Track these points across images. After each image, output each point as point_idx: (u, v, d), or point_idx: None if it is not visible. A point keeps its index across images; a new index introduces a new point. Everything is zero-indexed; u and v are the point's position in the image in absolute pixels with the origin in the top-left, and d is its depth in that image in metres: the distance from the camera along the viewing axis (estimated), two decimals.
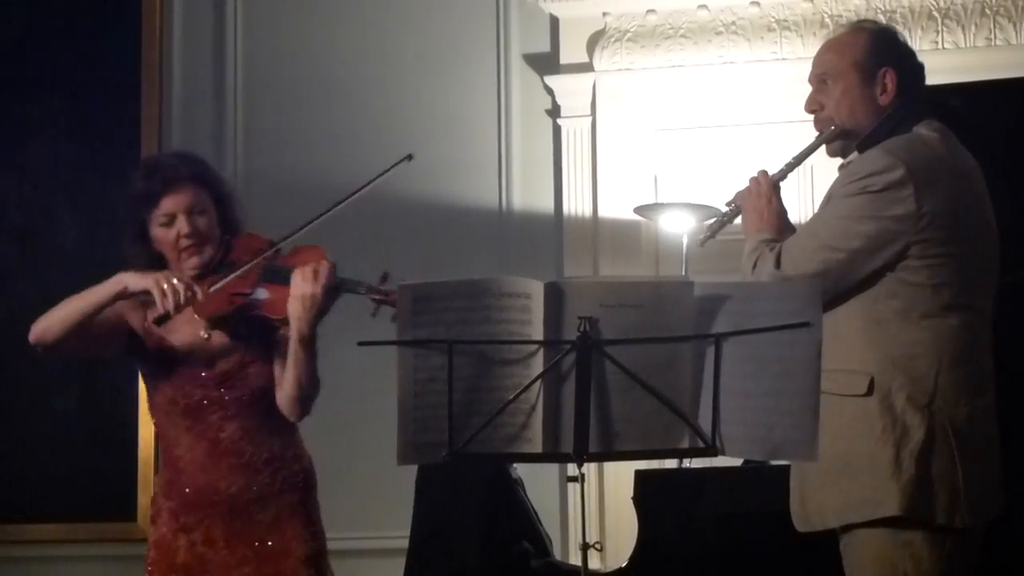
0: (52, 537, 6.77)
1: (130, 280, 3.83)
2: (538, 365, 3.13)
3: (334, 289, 3.79)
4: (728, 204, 4.03)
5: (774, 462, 3.91)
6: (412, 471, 4.99)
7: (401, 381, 3.10)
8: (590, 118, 6.55)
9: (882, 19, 6.28)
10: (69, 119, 7.01)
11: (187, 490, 3.93)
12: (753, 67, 6.42)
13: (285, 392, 3.91)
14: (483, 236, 6.55)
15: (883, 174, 3.63)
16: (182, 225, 3.94)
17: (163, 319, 3.80)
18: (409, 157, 3.88)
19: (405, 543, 5.18)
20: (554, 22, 6.67)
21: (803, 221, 5.94)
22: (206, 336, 3.95)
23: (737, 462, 4.69)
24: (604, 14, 6.55)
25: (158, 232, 3.98)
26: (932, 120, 3.80)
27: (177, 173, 4.00)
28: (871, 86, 3.81)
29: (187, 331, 3.97)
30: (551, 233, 6.57)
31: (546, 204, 6.60)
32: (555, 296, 3.12)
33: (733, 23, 6.48)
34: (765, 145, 5.98)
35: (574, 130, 6.56)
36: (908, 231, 3.62)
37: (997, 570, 4.25)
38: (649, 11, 6.50)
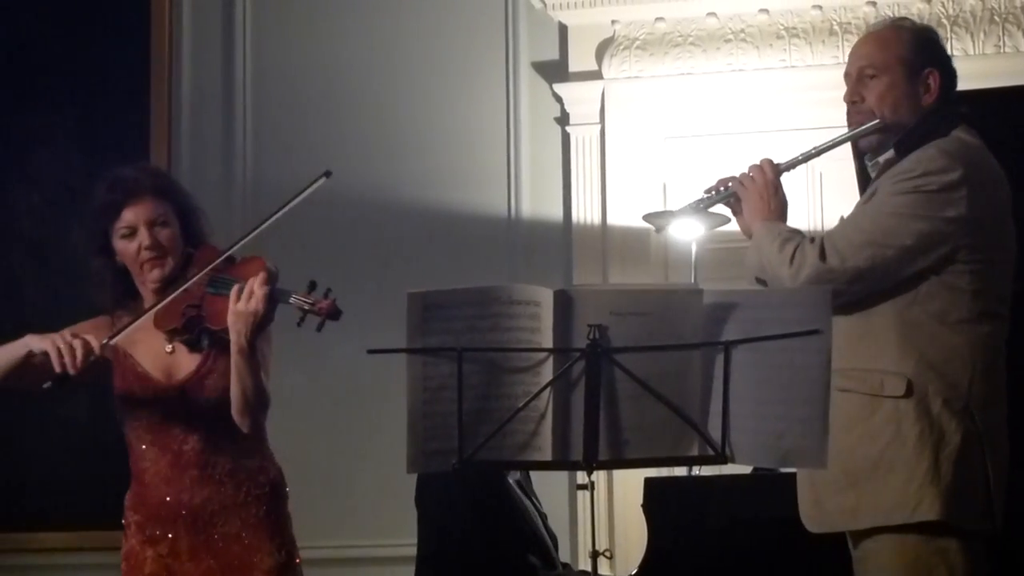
0: (60, 545, 6.77)
1: (33, 342, 3.78)
2: (547, 373, 3.13)
3: (272, 301, 3.76)
4: (711, 190, 3.96)
5: (784, 469, 3.90)
6: (407, 481, 4.98)
7: (411, 389, 3.10)
8: (599, 126, 6.55)
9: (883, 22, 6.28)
10: (78, 129, 7.01)
11: (152, 503, 3.92)
12: (762, 75, 6.42)
13: (233, 404, 3.87)
14: (492, 244, 6.55)
15: (939, 175, 3.59)
16: (143, 237, 3.93)
17: (62, 380, 3.71)
18: (327, 174, 3.84)
19: (406, 551, 5.18)
20: (563, 30, 6.67)
21: (811, 227, 5.97)
22: (170, 350, 3.95)
23: (747, 469, 4.69)
24: (613, 22, 6.55)
25: (120, 244, 3.97)
26: (968, 127, 3.76)
27: (138, 185, 3.99)
28: (915, 84, 3.76)
29: (152, 345, 3.96)
30: (560, 241, 6.56)
31: (555, 212, 6.60)
32: (564, 304, 3.12)
33: (742, 31, 6.47)
34: (774, 153, 5.95)
35: (583, 138, 6.56)
36: (958, 234, 3.59)
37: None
38: (658, 19, 6.50)
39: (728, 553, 4.73)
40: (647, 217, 4.12)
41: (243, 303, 3.72)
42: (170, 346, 3.95)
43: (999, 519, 3.61)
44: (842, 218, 3.84)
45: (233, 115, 6.90)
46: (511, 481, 5.10)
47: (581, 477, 3.16)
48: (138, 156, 6.86)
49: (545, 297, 3.12)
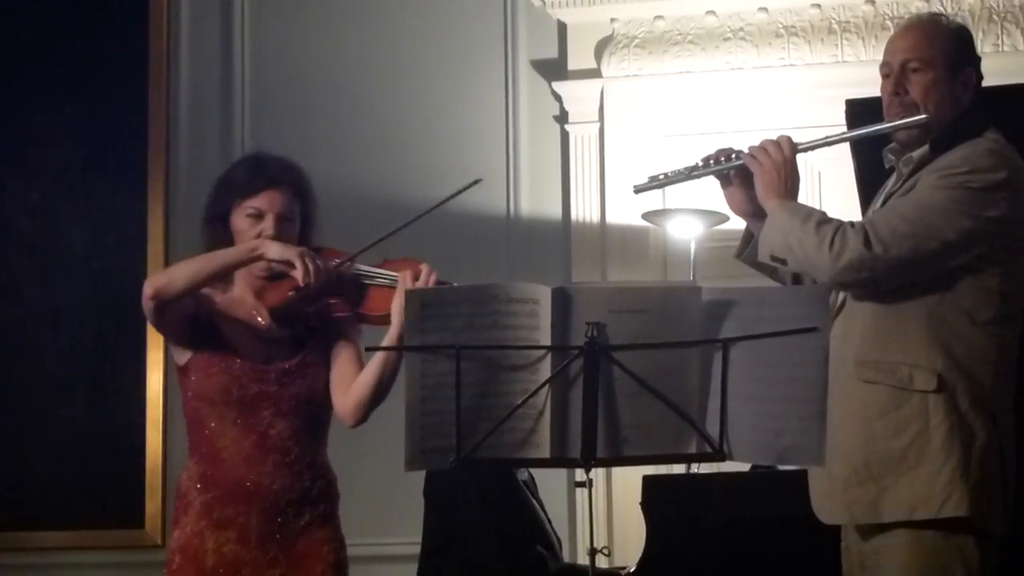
0: (60, 544, 6.77)
1: (271, 248, 3.78)
2: (546, 370, 3.13)
3: None
4: (720, 156, 3.87)
5: (782, 467, 3.90)
6: (420, 476, 4.99)
7: (409, 386, 3.10)
8: (598, 124, 6.56)
9: (889, 26, 6.30)
10: (76, 126, 7.01)
11: (227, 482, 3.85)
12: (761, 73, 6.43)
13: (355, 395, 3.86)
14: (491, 241, 6.56)
15: (986, 173, 3.57)
16: (268, 225, 3.89)
17: (300, 293, 3.75)
18: (478, 181, 3.87)
19: (414, 549, 5.18)
20: (562, 28, 6.67)
21: None
22: (267, 333, 3.93)
23: (745, 467, 4.69)
24: (612, 20, 6.55)
25: (241, 223, 3.92)
26: (994, 129, 3.73)
27: (283, 176, 3.97)
28: (956, 82, 3.72)
29: (245, 325, 3.93)
30: (559, 239, 6.57)
31: (554, 210, 6.60)
32: (563, 301, 3.12)
33: (741, 29, 6.48)
34: None
35: (582, 136, 6.57)
36: (996, 235, 3.57)
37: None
38: (657, 17, 6.51)
39: (726, 551, 4.73)
40: (638, 187, 4.05)
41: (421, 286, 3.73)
42: (267, 329, 3.93)
43: (1012, 521, 3.60)
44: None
45: (231, 112, 6.90)
46: (520, 480, 5.13)
47: (579, 475, 3.17)
48: (136, 154, 6.89)
49: (543, 295, 3.13)
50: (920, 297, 3.60)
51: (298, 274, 3.72)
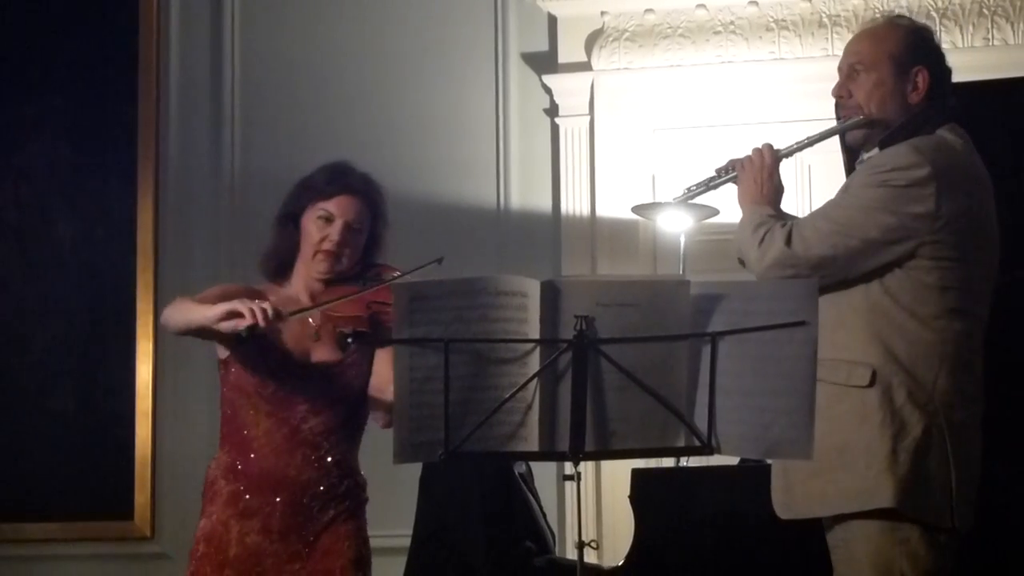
0: (48, 536, 6.77)
1: (236, 307, 3.67)
2: (534, 364, 3.13)
3: None
4: (721, 170, 3.99)
5: (770, 460, 3.91)
6: (410, 469, 4.98)
7: (397, 380, 3.09)
8: (588, 117, 6.55)
9: (880, 19, 6.28)
10: (66, 120, 7.01)
11: (255, 473, 3.89)
12: (751, 67, 6.43)
13: (382, 402, 3.93)
14: (481, 235, 6.55)
15: (908, 170, 3.64)
16: (335, 231, 3.95)
17: (252, 329, 3.66)
18: (439, 260, 3.86)
19: (402, 542, 5.18)
20: (552, 21, 6.67)
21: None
22: (316, 338, 3.96)
23: (734, 461, 4.70)
24: (602, 13, 6.55)
25: (311, 225, 3.98)
26: (955, 126, 3.79)
27: (361, 186, 4.05)
28: (904, 81, 3.80)
29: (297, 329, 3.96)
30: (549, 232, 6.57)
31: (544, 203, 6.60)
32: (551, 295, 3.12)
33: (731, 23, 6.48)
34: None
35: (572, 129, 6.56)
36: (923, 230, 3.63)
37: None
38: (647, 10, 6.50)
39: (714, 544, 4.73)
40: (676, 200, 4.16)
41: None
42: (317, 335, 3.96)
43: (968, 516, 3.65)
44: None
45: (221, 106, 6.89)
46: (517, 473, 5.13)
47: (568, 468, 3.17)
48: (126, 148, 6.88)
49: (532, 288, 3.13)
50: (863, 296, 3.68)
51: (245, 314, 3.62)
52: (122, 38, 6.97)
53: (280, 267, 4.07)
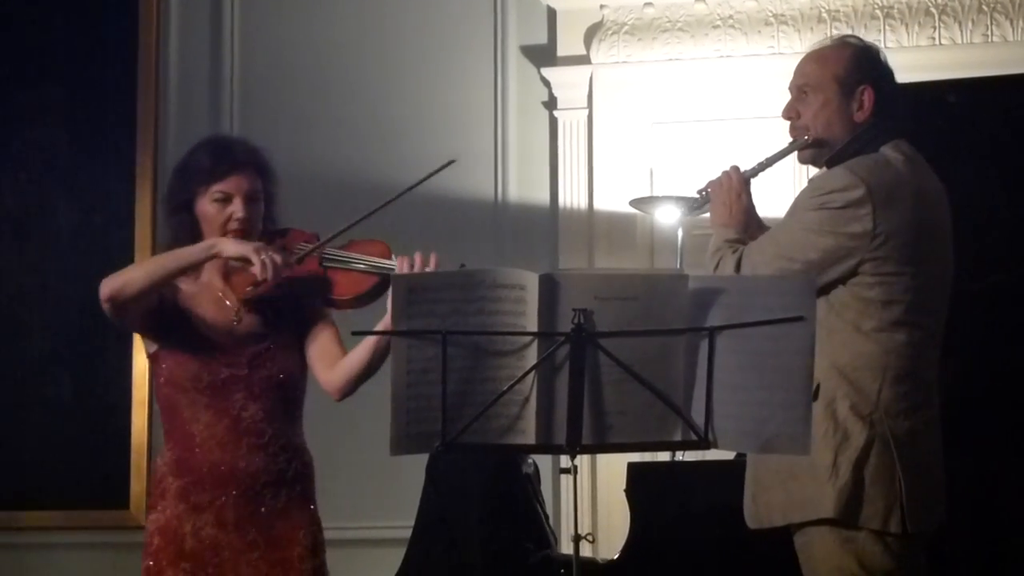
0: (44, 524, 6.78)
1: (227, 246, 3.76)
2: (532, 356, 3.13)
3: None
4: (700, 192, 4.08)
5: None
6: (408, 461, 4.98)
7: (395, 371, 3.10)
8: (586, 110, 6.56)
9: (879, 15, 6.31)
10: (65, 108, 7.01)
11: (203, 467, 3.85)
12: (750, 61, 6.43)
13: (346, 369, 3.87)
14: (479, 227, 6.56)
15: (843, 192, 3.71)
16: (238, 208, 3.89)
17: (258, 287, 3.75)
18: (452, 161, 3.87)
19: (399, 533, 5.19)
20: (551, 14, 6.67)
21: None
22: (236, 321, 3.93)
23: (730, 455, 4.70)
24: (601, 7, 6.55)
25: (208, 208, 3.91)
26: (901, 142, 3.85)
27: (248, 157, 3.98)
28: (849, 101, 3.87)
29: (215, 311, 3.93)
30: (547, 225, 6.57)
31: (542, 196, 6.60)
32: (549, 288, 3.12)
33: (730, 17, 6.48)
34: (761, 139, 5.97)
35: (570, 122, 6.57)
36: (862, 248, 3.69)
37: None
38: (646, 4, 6.50)
39: (710, 538, 4.74)
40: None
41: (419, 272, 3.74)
42: (237, 319, 3.91)
43: (923, 520, 3.70)
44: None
45: (220, 94, 6.89)
46: (524, 472, 5.14)
47: (564, 461, 3.18)
48: (125, 136, 6.88)
49: (530, 281, 3.12)
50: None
51: (255, 269, 3.72)
52: (122, 27, 6.97)
53: None
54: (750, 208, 3.95)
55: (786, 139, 4.02)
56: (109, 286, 3.75)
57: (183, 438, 3.89)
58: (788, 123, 3.99)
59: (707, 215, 4.04)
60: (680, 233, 5.83)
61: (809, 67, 3.96)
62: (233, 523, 3.85)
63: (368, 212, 3.85)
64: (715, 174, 4.04)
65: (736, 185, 3.94)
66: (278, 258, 3.74)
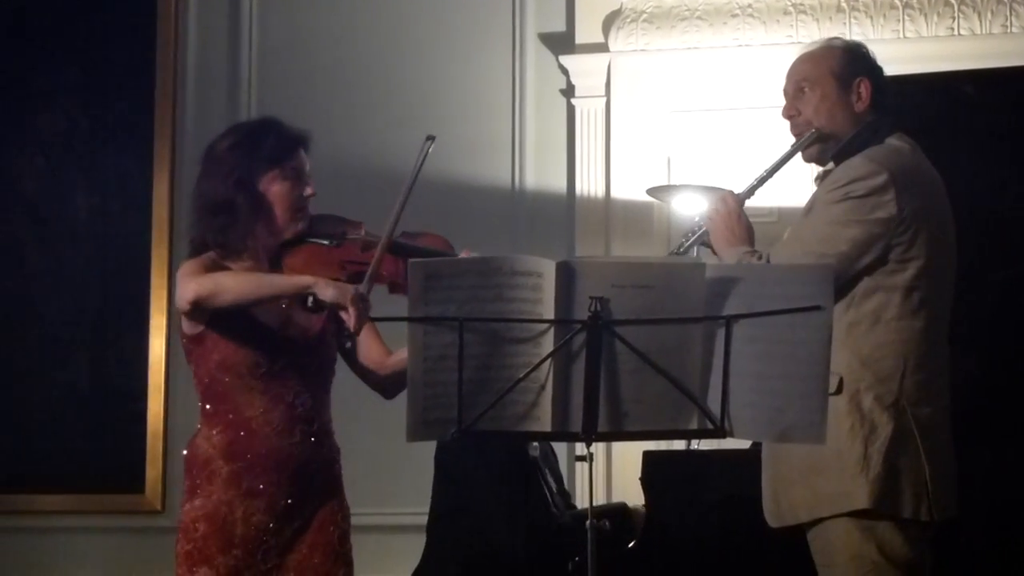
0: (61, 508, 6.81)
1: (326, 291, 3.64)
2: (548, 344, 3.13)
3: None
4: (696, 225, 4.13)
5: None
6: (425, 448, 5.01)
7: (411, 358, 3.10)
8: (604, 99, 6.55)
9: (898, 5, 6.30)
10: (83, 93, 7.02)
11: (258, 453, 3.84)
12: (768, 50, 6.41)
13: (393, 367, 3.91)
14: (496, 215, 6.56)
15: (866, 180, 3.74)
16: (308, 186, 3.92)
17: (350, 338, 3.80)
18: (431, 138, 3.87)
19: (416, 519, 5.20)
20: (570, 2, 6.67)
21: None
22: (285, 305, 3.88)
23: (745, 444, 4.70)
24: None
25: (279, 186, 3.89)
26: (902, 134, 3.91)
27: (305, 139, 3.99)
28: (847, 93, 3.93)
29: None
30: (564, 213, 6.57)
31: (559, 184, 6.60)
32: (567, 275, 3.12)
33: (749, 6, 6.47)
34: (778, 128, 5.96)
35: (588, 110, 6.56)
36: (889, 234, 3.72)
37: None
38: None
39: (724, 527, 4.75)
40: (674, 250, 4.28)
41: None
42: (286, 303, 3.88)
43: (945, 508, 3.74)
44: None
45: (238, 78, 6.90)
46: (533, 455, 5.15)
47: (580, 449, 3.18)
48: (143, 121, 6.89)
49: (547, 268, 3.12)
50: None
51: (350, 320, 3.64)
52: (140, 11, 6.98)
53: (251, 235, 3.90)
54: (750, 226, 3.99)
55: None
56: (197, 289, 3.72)
57: (236, 422, 3.88)
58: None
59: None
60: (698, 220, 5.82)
61: (803, 66, 4.02)
62: (284, 509, 3.87)
63: (402, 200, 3.81)
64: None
65: (734, 208, 3.98)
66: (368, 308, 3.68)
